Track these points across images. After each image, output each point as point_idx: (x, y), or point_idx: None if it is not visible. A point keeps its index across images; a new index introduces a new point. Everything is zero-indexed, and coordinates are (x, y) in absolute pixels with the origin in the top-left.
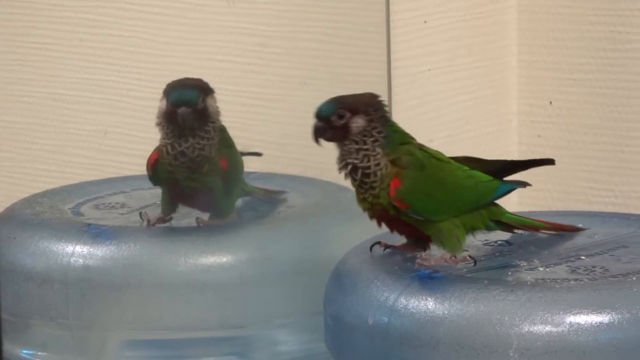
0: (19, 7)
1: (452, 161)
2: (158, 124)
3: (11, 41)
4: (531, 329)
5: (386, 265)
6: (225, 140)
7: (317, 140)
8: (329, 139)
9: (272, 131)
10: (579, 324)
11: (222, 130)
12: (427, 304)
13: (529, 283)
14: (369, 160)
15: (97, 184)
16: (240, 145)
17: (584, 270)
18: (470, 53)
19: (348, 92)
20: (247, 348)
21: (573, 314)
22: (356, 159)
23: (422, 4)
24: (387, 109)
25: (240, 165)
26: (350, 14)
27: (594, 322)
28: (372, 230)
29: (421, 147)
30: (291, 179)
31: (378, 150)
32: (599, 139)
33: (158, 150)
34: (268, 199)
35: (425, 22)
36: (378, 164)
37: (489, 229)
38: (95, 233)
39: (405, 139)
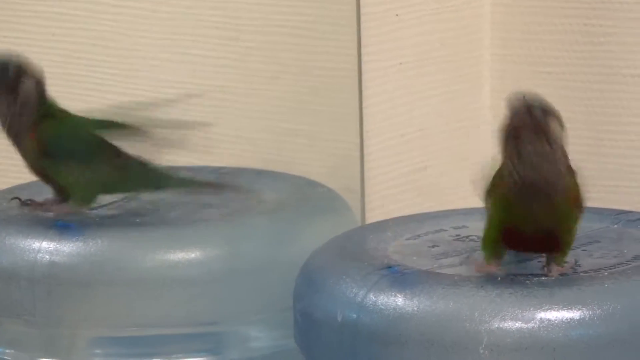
0: None
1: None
2: None
3: None
4: (501, 326)
5: (356, 261)
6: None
7: None
8: None
9: (243, 126)
10: (549, 320)
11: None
12: (396, 300)
13: (499, 279)
14: None
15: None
16: (207, 139)
17: None
18: (442, 47)
19: (319, 86)
20: (218, 345)
21: (543, 310)
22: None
23: None
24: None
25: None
26: (321, 8)
27: (565, 318)
28: (341, 225)
29: None
30: (262, 174)
31: None
32: (572, 132)
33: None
34: (212, 193)
35: (397, 15)
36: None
37: None
38: (62, 229)
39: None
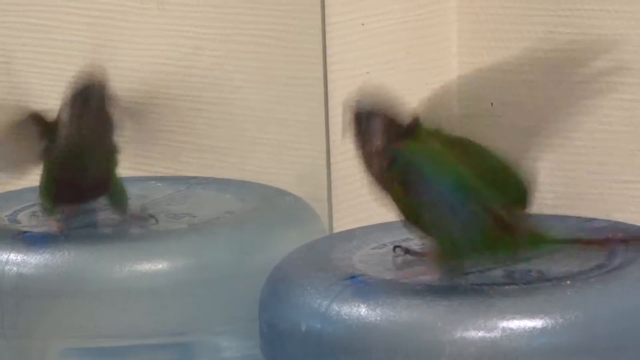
0: None
1: None
2: None
3: None
4: (463, 335)
5: (321, 271)
6: None
7: None
8: None
9: (210, 134)
10: (511, 329)
11: None
12: (359, 310)
13: (461, 288)
14: None
15: (35, 190)
16: (174, 148)
17: (519, 275)
18: (409, 55)
19: (285, 95)
20: (188, 355)
21: (506, 320)
22: None
23: (360, 7)
24: None
25: None
26: (286, 17)
27: (527, 328)
28: (308, 235)
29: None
30: (230, 184)
31: None
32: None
33: None
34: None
35: (362, 24)
36: None
37: None
38: (29, 241)
39: None
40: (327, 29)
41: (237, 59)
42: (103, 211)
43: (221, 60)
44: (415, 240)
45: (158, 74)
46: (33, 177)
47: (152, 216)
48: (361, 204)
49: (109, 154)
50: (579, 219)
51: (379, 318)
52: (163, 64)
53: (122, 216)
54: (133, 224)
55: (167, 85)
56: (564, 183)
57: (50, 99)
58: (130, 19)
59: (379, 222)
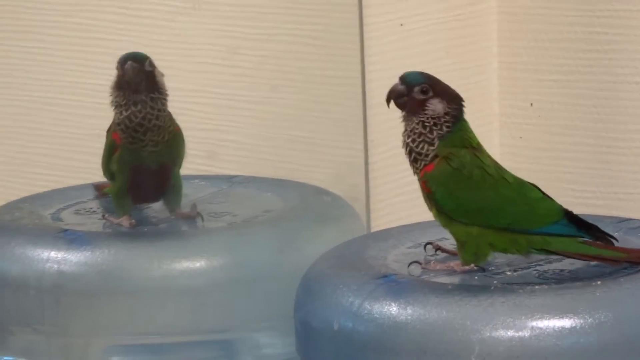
0: (12, 12)
1: (507, 179)
2: (111, 103)
3: (5, 46)
4: (493, 334)
5: (354, 270)
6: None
7: (388, 101)
8: (400, 105)
9: (249, 133)
10: (540, 328)
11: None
12: (390, 310)
13: (492, 288)
14: (423, 148)
15: (80, 188)
16: (213, 146)
17: (551, 275)
18: (448, 55)
19: (324, 95)
20: (229, 352)
21: (535, 319)
22: (414, 141)
23: (399, 7)
24: (465, 114)
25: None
26: (324, 17)
27: (556, 327)
28: (347, 233)
29: (476, 154)
30: (271, 182)
31: (437, 142)
32: (579, 140)
33: (115, 132)
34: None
35: (401, 25)
36: (428, 155)
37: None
38: (70, 239)
39: (463, 142)
40: (365, 29)
41: (275, 58)
42: (151, 207)
43: (260, 60)
44: (451, 240)
45: (197, 73)
46: (78, 176)
47: (199, 214)
48: (400, 203)
49: (171, 135)
50: (614, 219)
51: (409, 317)
52: (202, 63)
53: (172, 211)
54: (182, 222)
55: (206, 85)
56: (602, 183)
57: (100, 97)
58: (179, 19)
59: (418, 221)
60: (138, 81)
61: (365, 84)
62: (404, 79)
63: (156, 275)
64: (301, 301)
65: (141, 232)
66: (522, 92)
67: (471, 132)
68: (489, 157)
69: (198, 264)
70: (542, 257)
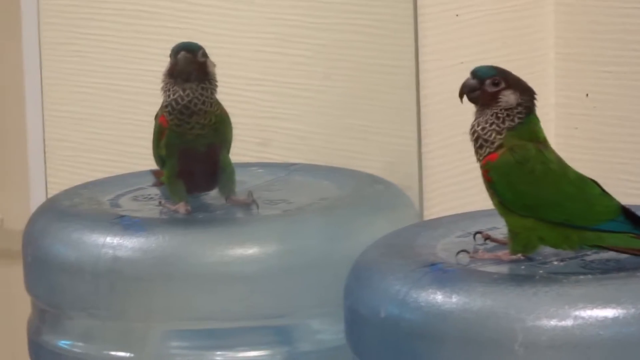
0: (78, 0)
1: (569, 175)
2: (162, 89)
3: (71, 33)
4: (536, 323)
5: (403, 258)
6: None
7: (461, 96)
8: (473, 99)
9: (305, 121)
10: (583, 318)
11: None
12: (435, 298)
13: (537, 277)
14: (491, 136)
15: (139, 175)
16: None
17: (597, 265)
18: (504, 46)
19: (375, 85)
20: (284, 337)
21: (578, 309)
22: (483, 129)
23: None
24: (536, 105)
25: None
26: (378, 6)
27: (599, 317)
28: (399, 222)
29: (541, 149)
30: (327, 170)
31: (506, 132)
32: (634, 131)
33: (162, 116)
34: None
35: (457, 15)
36: (494, 143)
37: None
38: (126, 225)
39: (530, 135)
40: (420, 19)
41: (330, 46)
42: (207, 194)
43: (314, 48)
44: (501, 229)
45: (254, 61)
46: (142, 162)
47: (255, 202)
48: (453, 192)
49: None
50: None
51: (454, 306)
52: (258, 52)
53: (228, 198)
54: (237, 208)
55: (263, 73)
56: None
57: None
58: (240, 7)
59: (470, 210)
60: (189, 71)
61: (419, 74)
62: (475, 73)
63: (209, 261)
64: (350, 288)
65: (196, 218)
66: (578, 83)
67: (540, 127)
68: (554, 152)
69: (251, 250)
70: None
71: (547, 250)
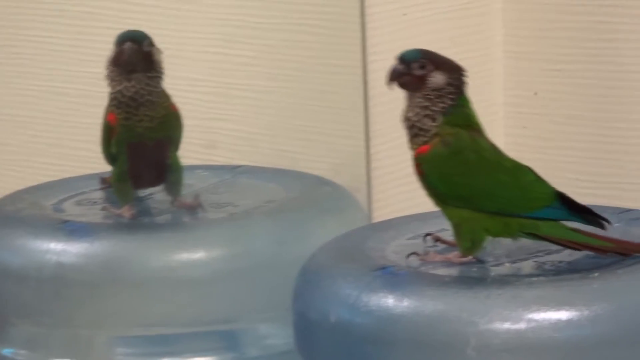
0: (18, 1)
1: (503, 163)
2: (106, 77)
3: (11, 35)
4: (489, 327)
5: (353, 262)
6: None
7: (390, 82)
8: (402, 85)
9: (249, 123)
10: (537, 321)
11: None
12: (387, 301)
13: (489, 280)
14: (425, 124)
15: (83, 179)
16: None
17: (549, 266)
18: (452, 45)
19: (322, 85)
20: (232, 342)
21: (531, 311)
22: (417, 115)
23: None
24: (466, 84)
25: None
26: (325, 6)
27: (553, 319)
28: (348, 224)
29: (475, 137)
30: (273, 172)
31: (440, 118)
32: (583, 129)
33: (111, 113)
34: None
35: (404, 14)
36: (429, 131)
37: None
38: (70, 230)
39: (464, 121)
40: (367, 19)
41: (275, 46)
42: (152, 198)
43: (260, 48)
44: (451, 231)
45: (198, 62)
46: (84, 166)
47: (201, 205)
48: (402, 193)
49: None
50: (616, 209)
51: (405, 309)
52: (201, 52)
53: (175, 199)
54: (183, 212)
55: (207, 74)
56: (606, 173)
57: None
58: (184, 7)
59: (420, 211)
60: (135, 62)
61: (366, 74)
62: (401, 57)
63: (156, 266)
64: (299, 292)
65: (142, 223)
66: (527, 82)
67: (473, 110)
68: (488, 139)
69: (198, 255)
70: (542, 248)
71: (498, 251)
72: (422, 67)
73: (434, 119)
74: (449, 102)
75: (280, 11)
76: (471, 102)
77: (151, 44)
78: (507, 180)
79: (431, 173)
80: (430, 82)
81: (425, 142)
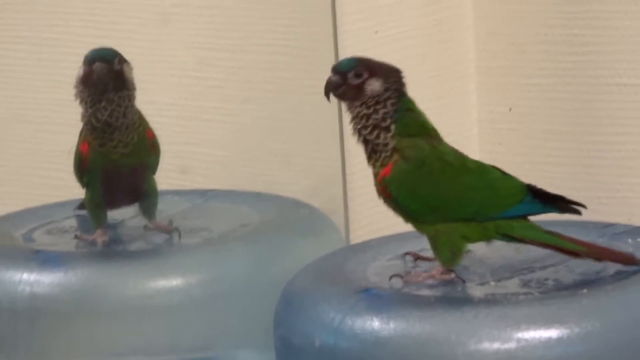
0: None
1: (468, 165)
2: (76, 96)
3: None
4: (478, 347)
5: (334, 284)
6: (144, 119)
7: (328, 95)
8: (340, 96)
9: (224, 146)
10: (526, 340)
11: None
12: (372, 324)
13: (476, 299)
14: (379, 137)
15: (52, 207)
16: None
17: (535, 284)
18: (425, 62)
19: (295, 106)
20: None
21: (521, 330)
22: (365, 128)
23: (373, 14)
24: (405, 84)
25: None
26: (297, 25)
27: (542, 338)
28: (325, 246)
29: (433, 144)
30: (246, 195)
31: (391, 126)
32: (560, 144)
33: (84, 141)
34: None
35: (376, 32)
36: (386, 145)
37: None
38: (42, 259)
39: (419, 129)
40: (339, 37)
41: (247, 68)
42: (125, 225)
43: (232, 71)
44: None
45: (168, 86)
46: (52, 194)
47: (177, 229)
48: (379, 214)
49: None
50: (598, 224)
51: (392, 332)
52: (172, 76)
53: (150, 222)
54: (156, 238)
55: (178, 97)
56: (584, 187)
57: (72, 114)
58: (138, 30)
59: (398, 231)
60: (106, 82)
61: None
62: (336, 68)
63: (132, 294)
64: (281, 317)
65: (115, 250)
66: (501, 97)
67: (421, 112)
68: (446, 143)
69: (174, 281)
70: (526, 265)
71: (481, 269)
72: (358, 75)
73: (387, 129)
74: (391, 107)
75: (251, 32)
76: (413, 101)
77: (121, 60)
78: (475, 182)
79: (399, 194)
80: (367, 89)
81: (385, 161)
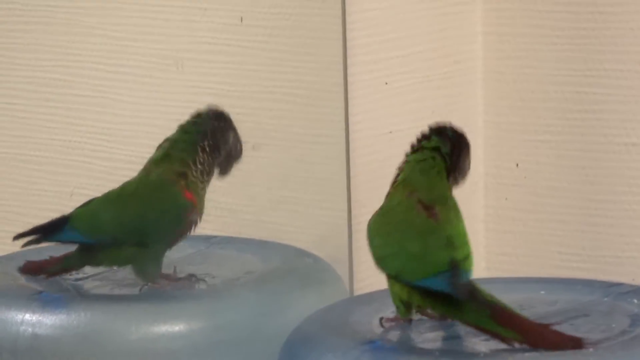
0: None
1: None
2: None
3: None
4: None
5: (339, 335)
6: None
7: None
8: None
9: (229, 193)
10: None
11: None
12: None
13: (481, 355)
14: None
15: (54, 249)
16: None
17: None
18: (434, 114)
19: (304, 155)
20: None
21: None
22: None
23: (384, 65)
24: None
25: None
26: (307, 74)
27: None
28: (329, 296)
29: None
30: (250, 243)
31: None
32: (566, 202)
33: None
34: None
35: (386, 83)
36: None
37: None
38: (45, 301)
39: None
40: (349, 87)
41: (257, 116)
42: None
43: (241, 118)
44: None
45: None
46: None
47: (194, 276)
48: None
49: None
50: (604, 283)
51: None
52: (182, 121)
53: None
54: (173, 287)
55: None
56: (590, 246)
57: (74, 155)
58: (156, 75)
59: None
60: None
61: (349, 143)
62: None
63: (134, 338)
64: None
65: (118, 294)
66: (508, 153)
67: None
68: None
69: (177, 327)
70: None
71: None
72: None
73: None
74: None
75: (261, 80)
76: None
77: None
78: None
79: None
80: None
81: None
